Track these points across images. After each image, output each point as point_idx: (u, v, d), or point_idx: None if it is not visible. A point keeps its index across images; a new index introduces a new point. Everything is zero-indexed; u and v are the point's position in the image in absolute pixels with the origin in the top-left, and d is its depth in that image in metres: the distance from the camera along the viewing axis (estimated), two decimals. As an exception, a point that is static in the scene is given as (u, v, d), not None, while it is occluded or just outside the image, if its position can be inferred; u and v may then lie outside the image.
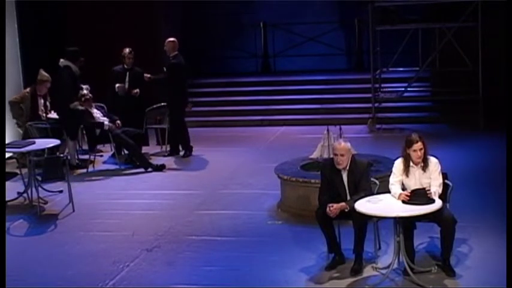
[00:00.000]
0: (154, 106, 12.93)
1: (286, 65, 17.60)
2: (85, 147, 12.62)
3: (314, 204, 7.58)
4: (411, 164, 7.11)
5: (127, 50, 12.42)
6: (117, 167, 11.82)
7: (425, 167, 7.08)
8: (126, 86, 12.33)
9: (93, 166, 11.88)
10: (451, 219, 6.92)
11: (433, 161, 7.13)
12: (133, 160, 11.84)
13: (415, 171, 7.12)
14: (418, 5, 14.30)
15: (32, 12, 13.73)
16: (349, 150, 7.33)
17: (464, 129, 13.51)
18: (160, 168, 11.61)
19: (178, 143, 12.58)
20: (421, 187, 6.97)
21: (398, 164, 7.20)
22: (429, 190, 6.90)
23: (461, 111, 14.12)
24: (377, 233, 7.40)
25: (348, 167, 7.31)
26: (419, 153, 7.03)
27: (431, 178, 7.07)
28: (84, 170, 11.70)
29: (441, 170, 7.14)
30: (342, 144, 7.33)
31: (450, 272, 6.93)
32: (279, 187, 9.41)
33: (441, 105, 14.84)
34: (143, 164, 11.64)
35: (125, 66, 12.41)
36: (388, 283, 6.87)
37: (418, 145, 7.02)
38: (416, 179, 7.10)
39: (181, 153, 12.52)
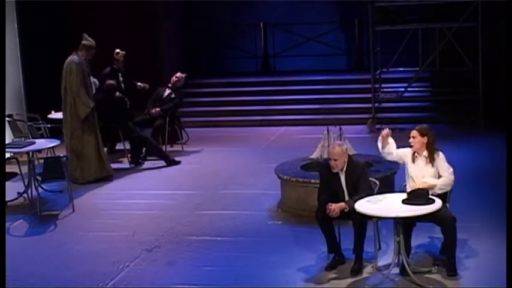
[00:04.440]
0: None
1: (286, 65, 17.59)
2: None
3: (314, 204, 7.58)
4: (416, 153, 7.27)
5: (121, 52, 12.47)
6: (117, 166, 11.82)
7: (430, 159, 7.21)
8: (122, 85, 12.35)
9: None
10: (450, 218, 6.93)
11: (439, 154, 7.26)
12: (137, 160, 11.89)
13: (419, 160, 7.25)
14: (418, 5, 14.30)
15: (32, 12, 13.73)
16: (343, 154, 7.31)
17: (464, 129, 13.51)
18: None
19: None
20: (422, 181, 7.09)
21: (408, 149, 7.40)
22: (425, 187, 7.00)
23: (461, 111, 14.12)
24: (377, 233, 7.40)
25: (344, 169, 7.31)
26: (412, 141, 7.26)
27: (439, 170, 7.20)
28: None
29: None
30: (335, 149, 7.32)
31: (451, 272, 6.93)
32: (279, 187, 9.41)
33: (441, 105, 14.84)
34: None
35: (114, 66, 12.42)
36: (388, 283, 6.87)
37: (413, 133, 7.28)
38: (420, 169, 7.24)
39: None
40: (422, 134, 7.23)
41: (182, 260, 7.79)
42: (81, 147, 10.95)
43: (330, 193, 7.32)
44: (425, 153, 7.24)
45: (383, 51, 14.73)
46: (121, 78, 12.39)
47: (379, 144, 7.52)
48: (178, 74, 12.87)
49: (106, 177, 11.13)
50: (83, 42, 11.07)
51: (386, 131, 7.48)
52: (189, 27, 17.11)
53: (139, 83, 12.77)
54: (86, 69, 11.01)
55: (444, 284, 6.83)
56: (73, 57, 10.99)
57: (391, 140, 7.50)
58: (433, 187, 7.11)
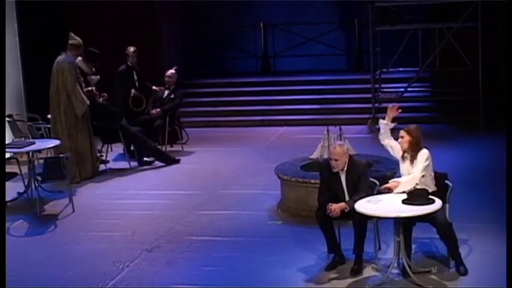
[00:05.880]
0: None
1: (286, 65, 17.59)
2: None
3: (314, 204, 7.58)
4: (405, 152, 7.30)
5: (132, 48, 12.54)
6: (117, 167, 11.84)
7: (414, 158, 7.22)
8: (136, 84, 12.55)
9: (105, 165, 11.91)
10: (445, 223, 6.94)
11: (421, 152, 7.23)
12: (146, 161, 11.93)
13: (407, 159, 7.28)
14: (418, 5, 14.30)
15: (32, 13, 13.72)
16: (344, 154, 7.31)
17: (464, 129, 13.51)
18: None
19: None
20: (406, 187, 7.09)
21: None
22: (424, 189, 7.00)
23: (461, 111, 14.12)
24: (377, 233, 7.40)
25: (345, 169, 7.31)
26: (400, 141, 7.29)
27: (414, 167, 7.20)
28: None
29: (427, 160, 7.19)
30: (336, 149, 7.33)
31: (464, 270, 6.96)
32: (279, 187, 9.41)
33: (441, 105, 14.84)
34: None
35: (129, 64, 12.51)
36: (388, 283, 6.87)
37: (401, 133, 7.31)
38: (406, 168, 7.29)
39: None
40: (409, 134, 7.27)
41: (182, 260, 7.79)
42: (76, 146, 10.97)
43: (330, 193, 7.33)
44: (412, 153, 7.26)
45: (383, 51, 14.72)
46: (135, 77, 12.50)
47: (382, 139, 7.59)
48: (169, 72, 12.88)
49: (96, 175, 11.29)
50: (71, 41, 11.17)
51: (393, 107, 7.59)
52: (189, 27, 17.12)
53: (154, 87, 12.81)
54: (78, 68, 11.09)
55: (444, 284, 6.84)
56: (63, 57, 11.08)
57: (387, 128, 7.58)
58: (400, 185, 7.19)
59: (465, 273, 6.96)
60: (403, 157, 7.34)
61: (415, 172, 7.17)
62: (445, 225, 6.94)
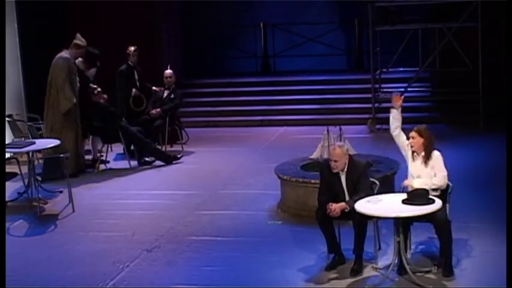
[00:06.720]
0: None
1: (286, 65, 17.59)
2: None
3: (314, 204, 7.58)
4: (415, 153, 7.32)
5: (132, 48, 12.56)
6: (117, 167, 11.84)
7: (426, 159, 7.24)
8: (138, 83, 12.59)
9: (105, 165, 11.92)
10: (444, 220, 6.93)
11: (435, 154, 7.26)
12: (146, 161, 11.90)
13: (417, 160, 7.29)
14: (418, 5, 14.30)
15: (32, 12, 13.72)
16: (344, 155, 7.32)
17: (464, 129, 13.51)
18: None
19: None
20: (421, 186, 7.06)
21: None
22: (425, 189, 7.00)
23: (461, 111, 14.13)
24: (377, 233, 7.40)
25: (345, 169, 7.32)
26: (412, 141, 7.29)
27: (436, 170, 7.21)
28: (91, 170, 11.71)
29: (443, 161, 7.26)
30: (336, 150, 7.34)
31: (447, 272, 6.93)
32: (279, 187, 9.41)
33: (441, 105, 14.85)
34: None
35: (130, 63, 12.54)
36: (388, 283, 6.87)
37: (412, 133, 7.31)
38: (417, 169, 7.28)
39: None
40: (420, 135, 7.27)
41: (182, 260, 7.79)
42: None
43: (330, 193, 7.33)
44: (423, 153, 7.27)
45: (383, 51, 14.72)
46: (136, 77, 12.53)
47: (392, 125, 7.53)
48: (167, 73, 12.88)
49: (79, 173, 11.27)
50: (75, 41, 11.29)
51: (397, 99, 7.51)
52: (189, 27, 17.12)
53: (154, 87, 12.83)
54: (73, 66, 11.14)
55: (444, 284, 6.83)
56: (62, 54, 11.19)
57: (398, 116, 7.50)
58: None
59: (449, 275, 6.93)
60: (412, 156, 7.35)
61: (440, 175, 7.17)
62: (444, 222, 6.92)
